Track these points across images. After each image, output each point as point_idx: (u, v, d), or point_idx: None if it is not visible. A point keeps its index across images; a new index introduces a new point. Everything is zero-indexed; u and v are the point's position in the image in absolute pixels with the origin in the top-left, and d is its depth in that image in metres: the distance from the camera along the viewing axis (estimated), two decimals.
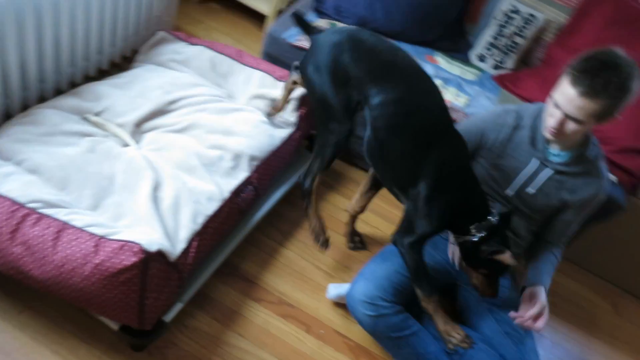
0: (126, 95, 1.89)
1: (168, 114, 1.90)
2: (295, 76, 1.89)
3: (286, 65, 2.28)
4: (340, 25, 2.46)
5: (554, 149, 1.67)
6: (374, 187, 1.97)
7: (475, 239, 1.58)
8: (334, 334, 1.86)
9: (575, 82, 1.47)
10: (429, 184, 1.55)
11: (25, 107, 1.91)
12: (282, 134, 2.03)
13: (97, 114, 1.83)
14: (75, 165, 1.62)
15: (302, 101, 2.08)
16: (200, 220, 1.64)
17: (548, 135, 1.62)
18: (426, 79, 1.61)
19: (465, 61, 2.60)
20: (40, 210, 1.45)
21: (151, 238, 1.47)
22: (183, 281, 1.58)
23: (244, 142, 1.88)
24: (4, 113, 1.89)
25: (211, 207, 1.68)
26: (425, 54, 2.53)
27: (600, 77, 1.45)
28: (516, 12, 2.51)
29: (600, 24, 2.37)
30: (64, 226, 1.44)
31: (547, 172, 1.69)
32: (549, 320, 2.24)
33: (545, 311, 1.63)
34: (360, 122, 1.67)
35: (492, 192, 1.75)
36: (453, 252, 1.81)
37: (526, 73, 2.55)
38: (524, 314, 1.61)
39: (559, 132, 1.57)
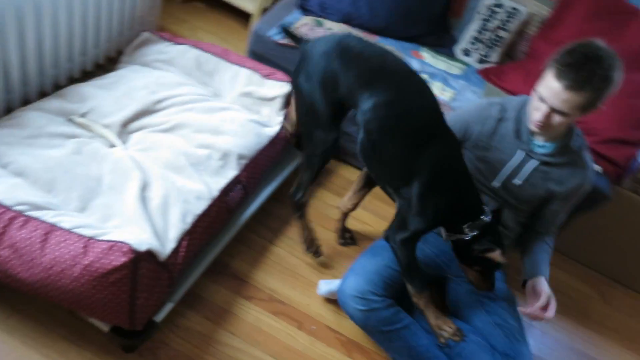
0: (111, 95, 1.88)
1: (154, 114, 1.89)
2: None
3: (272, 64, 2.28)
4: (325, 22, 2.46)
5: (539, 140, 1.69)
6: (367, 186, 1.98)
7: (468, 238, 1.60)
8: (326, 329, 1.87)
9: (560, 76, 1.49)
10: (422, 182, 1.56)
11: (9, 110, 1.89)
12: (270, 132, 2.03)
13: (82, 115, 1.82)
14: (62, 167, 1.61)
15: (289, 100, 2.08)
16: (190, 219, 1.64)
17: (534, 128, 1.64)
18: (417, 80, 1.62)
19: (451, 56, 2.62)
20: (27, 213, 1.44)
21: (140, 238, 1.47)
22: (173, 281, 1.58)
23: (232, 141, 1.87)
24: None
25: (200, 206, 1.68)
26: (410, 49, 2.54)
27: (584, 70, 1.47)
28: (500, 6, 2.53)
29: (582, 16, 2.40)
30: (52, 228, 1.43)
31: (532, 163, 1.71)
32: None
33: (552, 300, 1.65)
34: (353, 123, 1.68)
35: (479, 184, 1.77)
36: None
37: (511, 66, 2.57)
38: (532, 307, 1.63)
39: (545, 125, 1.59)
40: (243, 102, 2.10)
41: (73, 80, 2.14)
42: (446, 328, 1.71)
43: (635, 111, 2.24)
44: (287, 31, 1.84)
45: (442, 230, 1.68)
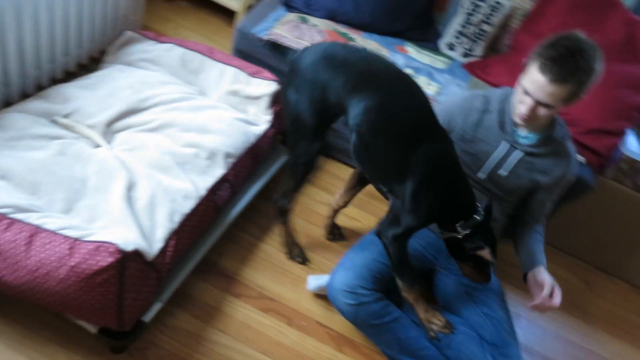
0: (95, 95, 1.87)
1: (139, 113, 1.88)
2: None
3: (258, 61, 2.28)
4: (309, 18, 2.46)
5: (522, 131, 1.71)
6: (360, 184, 1.99)
7: (460, 237, 1.61)
8: (316, 325, 1.88)
9: (545, 69, 1.51)
10: (416, 181, 1.56)
11: None
12: (257, 130, 2.03)
13: (66, 116, 1.80)
14: (46, 169, 1.59)
15: (276, 98, 2.08)
16: (177, 218, 1.63)
17: (519, 121, 1.66)
18: (405, 81, 1.63)
19: (435, 50, 2.63)
20: (12, 216, 1.43)
21: (127, 238, 1.46)
22: (161, 280, 1.57)
23: (219, 140, 1.87)
24: None
25: (188, 206, 1.68)
26: (395, 44, 2.55)
27: (568, 63, 1.49)
28: (483, 0, 2.54)
29: (564, 9, 2.42)
30: (37, 230, 1.41)
31: (517, 154, 1.73)
32: (524, 300, 2.30)
33: (555, 287, 1.66)
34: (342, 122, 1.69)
35: None
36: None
37: (495, 60, 2.59)
38: (538, 298, 1.64)
39: (531, 117, 1.61)
40: (229, 100, 2.09)
41: (56, 81, 2.12)
42: (435, 321, 1.72)
43: (616, 102, 2.27)
44: (273, 44, 1.85)
45: (436, 228, 1.69)
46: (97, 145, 1.76)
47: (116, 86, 1.92)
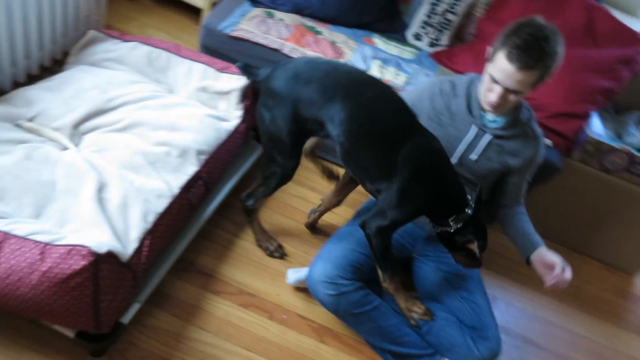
0: (60, 97, 1.83)
1: (107, 113, 1.84)
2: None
3: (225, 57, 2.26)
4: (275, 13, 2.45)
5: (490, 115, 1.74)
6: (354, 181, 1.97)
7: (452, 231, 1.63)
8: (297, 317, 1.88)
9: (512, 58, 1.53)
10: (404, 177, 1.57)
11: None
12: (228, 126, 2.01)
13: (30, 120, 1.76)
14: (12, 174, 1.55)
15: (246, 93, 2.07)
16: (151, 218, 1.61)
17: (488, 108, 1.69)
18: (376, 85, 1.64)
19: (402, 41, 2.66)
20: None
21: (100, 240, 1.44)
22: (138, 281, 1.55)
23: (190, 137, 1.85)
24: None
25: (161, 205, 1.65)
26: (362, 36, 2.56)
27: (534, 50, 1.52)
28: None
29: None
30: (5, 237, 1.38)
31: (486, 138, 1.76)
32: (501, 283, 2.35)
33: (564, 262, 1.67)
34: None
35: None
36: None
37: (461, 48, 2.63)
38: (551, 278, 1.65)
39: (500, 105, 1.64)
40: (199, 97, 2.07)
41: (18, 84, 2.06)
42: (416, 309, 1.74)
43: (579, 85, 2.32)
44: (244, 68, 1.90)
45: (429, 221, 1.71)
46: (65, 148, 1.73)
47: (81, 87, 1.88)
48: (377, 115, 1.60)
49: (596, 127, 2.40)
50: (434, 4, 2.59)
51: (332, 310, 1.74)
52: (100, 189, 1.60)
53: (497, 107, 1.66)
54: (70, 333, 1.47)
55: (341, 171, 2.06)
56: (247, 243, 2.04)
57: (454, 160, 1.80)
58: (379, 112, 1.60)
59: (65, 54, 2.22)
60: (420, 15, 2.64)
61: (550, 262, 1.69)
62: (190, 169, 1.80)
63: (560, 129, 2.31)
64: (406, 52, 2.57)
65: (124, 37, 2.13)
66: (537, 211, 2.52)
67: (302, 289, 1.93)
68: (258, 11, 2.43)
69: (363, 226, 1.64)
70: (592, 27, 2.40)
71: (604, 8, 2.46)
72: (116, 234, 1.51)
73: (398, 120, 1.61)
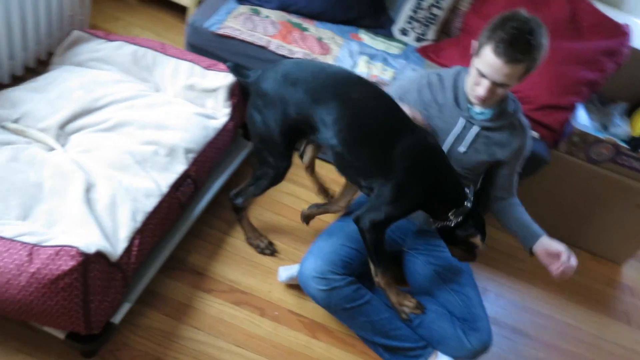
0: (45, 98, 1.81)
1: (93, 113, 1.83)
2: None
3: (211, 55, 2.25)
4: (261, 10, 2.45)
5: (477, 108, 1.75)
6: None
7: (452, 225, 1.64)
8: (289, 314, 1.88)
9: (498, 52, 1.54)
10: (401, 173, 1.57)
11: None
12: (216, 124, 2.01)
13: (15, 121, 1.74)
14: None
15: (233, 90, 2.06)
16: (140, 217, 1.60)
17: (477, 102, 1.70)
18: (362, 84, 1.64)
19: (389, 36, 2.66)
20: None
21: (88, 240, 1.43)
22: (128, 280, 1.55)
23: (178, 136, 1.84)
24: None
25: (150, 204, 1.65)
26: (349, 32, 2.56)
27: (520, 43, 1.53)
28: None
29: None
30: None
31: (474, 130, 1.77)
32: (491, 275, 2.37)
33: (568, 250, 1.68)
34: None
35: None
36: None
37: (447, 43, 2.64)
38: (558, 266, 1.66)
39: (488, 98, 1.65)
40: (186, 95, 2.06)
41: (2, 86, 2.04)
42: (407, 303, 1.75)
43: (564, 78, 2.34)
44: (235, 68, 1.88)
45: (428, 217, 1.71)
46: (51, 149, 1.71)
47: (67, 87, 1.86)
48: (369, 114, 1.60)
49: (582, 118, 2.43)
50: None
51: (324, 305, 1.75)
52: (88, 189, 1.59)
53: (485, 101, 1.67)
54: (60, 334, 1.46)
55: (336, 189, 2.06)
56: (237, 241, 2.04)
57: None
58: (371, 111, 1.60)
59: (50, 54, 2.20)
60: (406, 10, 2.64)
61: (556, 251, 1.69)
62: (179, 167, 1.80)
63: (546, 121, 2.33)
64: (393, 48, 2.58)
65: (109, 36, 2.12)
66: (525, 203, 2.53)
67: (294, 285, 1.94)
68: (244, 8, 2.42)
69: (357, 220, 1.63)
70: (576, 19, 2.43)
71: (587, 0, 2.48)
72: (105, 234, 1.50)
73: (391, 117, 1.61)
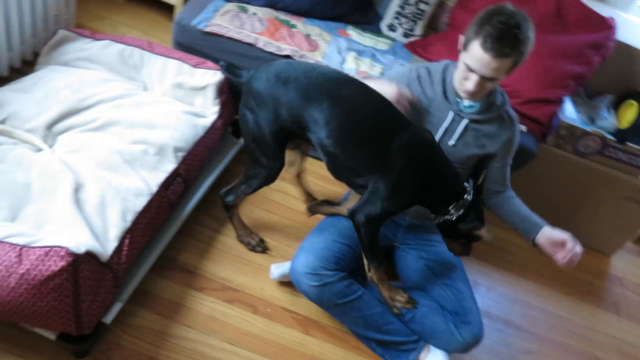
0: (31, 98, 1.80)
1: (81, 113, 1.82)
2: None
3: (199, 53, 2.24)
4: (249, 7, 2.44)
5: (466, 101, 1.76)
6: None
7: (454, 219, 1.63)
8: (281, 310, 1.88)
9: (486, 47, 1.55)
10: (398, 170, 1.56)
11: None
12: (205, 122, 2.00)
13: (1, 122, 1.72)
14: None
15: (222, 88, 2.06)
16: (130, 217, 1.59)
17: (465, 96, 1.70)
18: (351, 84, 1.63)
19: (377, 32, 2.67)
20: None
21: (78, 240, 1.42)
22: (119, 280, 1.54)
23: (167, 134, 1.84)
24: None
25: (140, 203, 1.64)
26: (337, 28, 2.56)
27: (508, 37, 1.54)
28: None
29: None
30: None
31: (463, 123, 1.77)
32: (482, 268, 2.39)
33: (572, 237, 1.69)
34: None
35: None
36: None
37: (435, 38, 2.65)
38: (564, 255, 1.67)
39: (477, 92, 1.66)
40: (175, 93, 2.05)
41: None
42: (399, 298, 1.76)
43: (551, 71, 2.36)
44: (228, 67, 1.86)
45: (427, 212, 1.71)
46: (39, 149, 1.70)
47: (53, 87, 1.84)
48: (362, 112, 1.59)
49: (569, 112, 2.45)
50: None
51: (316, 301, 1.75)
52: (77, 189, 1.58)
53: (474, 95, 1.68)
54: (51, 335, 1.45)
55: (329, 187, 2.06)
56: (228, 239, 2.04)
57: None
58: (363, 109, 1.60)
59: (36, 54, 2.18)
60: (394, 6, 2.65)
61: (560, 239, 1.70)
62: (168, 166, 1.79)
63: (534, 114, 2.34)
64: (381, 43, 2.58)
65: (95, 35, 2.10)
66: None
67: (286, 283, 1.94)
68: (231, 6, 2.42)
69: (352, 214, 1.61)
70: (561, 13, 2.45)
71: None
72: (95, 234, 1.49)
73: (384, 115, 1.60)
